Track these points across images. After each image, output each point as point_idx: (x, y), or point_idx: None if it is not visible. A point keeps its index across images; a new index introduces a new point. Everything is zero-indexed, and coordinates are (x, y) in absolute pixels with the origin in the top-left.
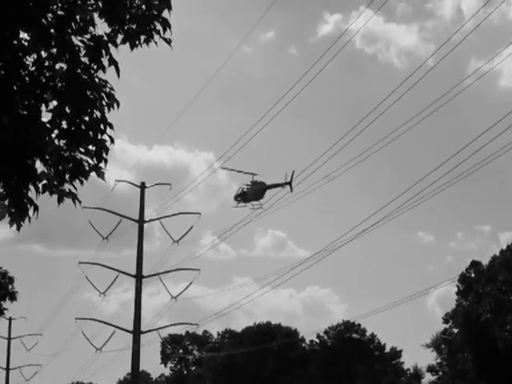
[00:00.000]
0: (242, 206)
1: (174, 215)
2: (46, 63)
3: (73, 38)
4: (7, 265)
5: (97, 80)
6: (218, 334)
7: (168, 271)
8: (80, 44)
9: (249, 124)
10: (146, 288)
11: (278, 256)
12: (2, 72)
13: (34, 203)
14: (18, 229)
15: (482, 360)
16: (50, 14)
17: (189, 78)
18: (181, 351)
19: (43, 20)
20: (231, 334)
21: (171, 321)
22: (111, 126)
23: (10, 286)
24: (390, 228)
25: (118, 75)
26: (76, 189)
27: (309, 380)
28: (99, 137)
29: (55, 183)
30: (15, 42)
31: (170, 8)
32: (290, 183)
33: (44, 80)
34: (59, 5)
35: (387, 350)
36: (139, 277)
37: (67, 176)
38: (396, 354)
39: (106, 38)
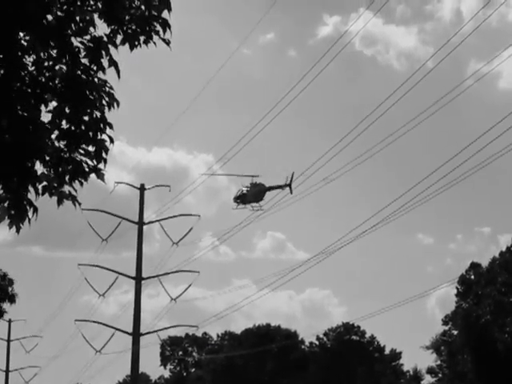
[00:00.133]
0: (242, 208)
1: (173, 217)
2: (46, 63)
3: (72, 39)
4: (6, 267)
5: (96, 80)
6: (218, 335)
7: (167, 273)
8: (80, 45)
9: (248, 126)
10: (146, 290)
11: (278, 258)
12: (2, 72)
13: (34, 205)
14: (18, 231)
15: (481, 362)
16: (49, 15)
17: (188, 79)
18: (180, 353)
19: (43, 21)
20: (231, 336)
21: (171, 323)
22: (111, 126)
23: (10, 288)
24: (390, 230)
25: (119, 76)
26: (76, 190)
27: (308, 382)
28: (99, 137)
29: (55, 185)
30: (15, 42)
31: (169, 9)
32: (289, 185)
33: (44, 80)
34: (58, 5)
35: (387, 351)
36: (139, 279)
37: (67, 177)
38: (396, 355)
39: (105, 38)
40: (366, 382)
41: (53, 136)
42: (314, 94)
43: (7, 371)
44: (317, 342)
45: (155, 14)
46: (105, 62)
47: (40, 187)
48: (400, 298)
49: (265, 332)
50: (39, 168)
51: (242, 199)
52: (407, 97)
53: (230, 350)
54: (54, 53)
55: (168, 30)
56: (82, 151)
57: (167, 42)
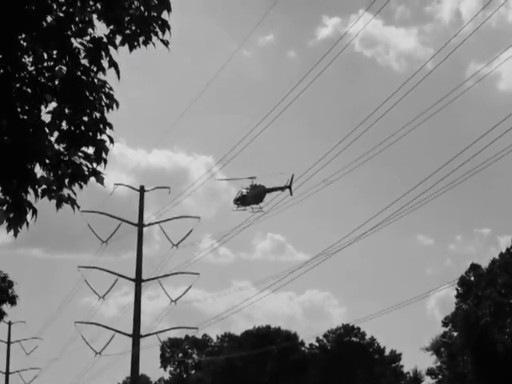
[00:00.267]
0: (242, 210)
1: (173, 219)
2: (46, 64)
3: (72, 39)
4: (6, 269)
5: (96, 81)
6: (218, 337)
7: (167, 275)
8: (80, 46)
9: (248, 127)
10: (146, 292)
11: (278, 259)
12: (1, 71)
13: (33, 207)
14: (15, 235)
15: (481, 363)
16: (49, 16)
17: (188, 81)
18: (180, 355)
19: (43, 22)
20: (231, 338)
21: (171, 324)
22: (110, 126)
23: (10, 290)
24: (389, 231)
25: (118, 77)
26: (75, 194)
27: None
28: (99, 137)
29: (54, 188)
30: (15, 42)
31: (169, 10)
32: (289, 187)
33: (43, 81)
34: (58, 6)
35: (387, 353)
36: (138, 280)
37: (66, 181)
38: (395, 357)
39: (105, 39)
40: (365, 383)
41: (52, 138)
42: (314, 95)
43: (7, 373)
44: (317, 344)
45: (154, 14)
46: (104, 62)
47: (39, 190)
48: (400, 300)
49: (265, 334)
50: (38, 171)
51: (241, 201)
52: (407, 98)
53: (230, 352)
54: (53, 53)
55: (167, 30)
56: (81, 154)
57: (166, 43)
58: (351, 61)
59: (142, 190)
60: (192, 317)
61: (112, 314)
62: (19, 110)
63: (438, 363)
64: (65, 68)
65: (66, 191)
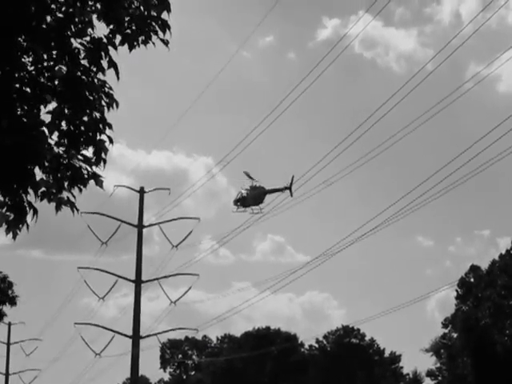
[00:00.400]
0: (242, 211)
1: (173, 220)
2: (45, 64)
3: (72, 40)
4: (6, 270)
5: (96, 81)
6: (218, 338)
7: (167, 276)
8: (79, 46)
9: (248, 128)
10: (145, 293)
11: (277, 261)
12: (1, 72)
13: (34, 206)
14: (14, 237)
15: (481, 364)
16: (49, 17)
17: (188, 82)
18: (180, 356)
19: (43, 22)
20: (230, 339)
21: (170, 325)
22: (110, 126)
23: (10, 291)
24: (389, 233)
25: (118, 77)
26: (74, 197)
27: None
28: (98, 137)
29: (53, 191)
30: (15, 43)
31: (169, 10)
32: (289, 188)
33: (43, 81)
34: (58, 6)
35: (386, 354)
36: (138, 282)
37: (66, 183)
38: (395, 358)
39: (105, 40)
40: None
41: (52, 141)
42: (314, 96)
43: (7, 374)
44: (316, 345)
45: (154, 14)
46: (104, 63)
47: (39, 193)
48: (400, 301)
49: (264, 335)
50: (38, 174)
51: (241, 202)
52: (407, 99)
53: (230, 353)
54: (53, 54)
55: (168, 30)
56: (80, 157)
57: (166, 43)
58: (351, 62)
59: (141, 191)
60: (192, 318)
61: (112, 315)
62: (19, 110)
63: (438, 364)
64: (65, 68)
65: (65, 194)
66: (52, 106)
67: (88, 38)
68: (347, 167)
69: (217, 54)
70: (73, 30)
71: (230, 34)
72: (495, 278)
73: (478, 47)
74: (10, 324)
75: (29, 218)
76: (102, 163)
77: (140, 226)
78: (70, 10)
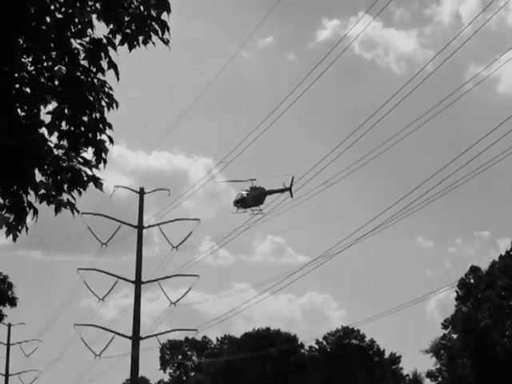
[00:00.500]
0: (242, 212)
1: (172, 221)
2: (45, 64)
3: (72, 40)
4: (6, 271)
5: (96, 81)
6: (217, 339)
7: (167, 277)
8: (79, 47)
9: (248, 129)
10: (145, 294)
11: (277, 261)
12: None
13: (34, 207)
14: (14, 239)
15: (481, 366)
16: (48, 17)
17: (187, 83)
18: (180, 357)
19: (43, 23)
20: (230, 340)
21: (170, 326)
22: (110, 126)
23: (10, 292)
24: (389, 234)
25: (118, 78)
26: (74, 199)
27: None
28: (98, 137)
29: (53, 193)
30: (14, 44)
31: (168, 10)
32: (289, 189)
33: (43, 81)
34: (57, 6)
35: (386, 355)
36: (138, 282)
37: (65, 186)
38: (395, 359)
39: (105, 40)
40: None
41: (51, 144)
42: (314, 97)
43: (7, 375)
44: (316, 346)
45: (154, 14)
46: (104, 63)
47: (38, 195)
48: (399, 302)
49: (264, 336)
50: (38, 176)
51: (241, 203)
52: (407, 100)
53: (230, 354)
54: (53, 54)
55: (167, 31)
56: (80, 159)
57: (166, 42)
58: (351, 63)
59: (141, 192)
60: (192, 319)
61: (112, 316)
62: (19, 110)
63: (438, 365)
64: (64, 68)
65: (65, 196)
66: (52, 106)
67: (88, 39)
68: (347, 168)
69: (217, 55)
70: (72, 30)
71: (230, 34)
72: (495, 279)
73: (477, 48)
74: (9, 325)
75: (29, 218)
76: (102, 163)
77: (140, 227)
78: (70, 10)
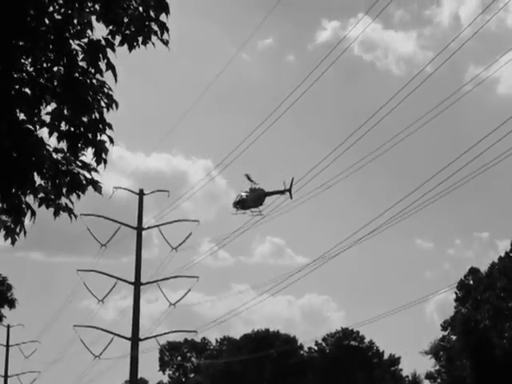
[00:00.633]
0: (241, 213)
1: (172, 222)
2: (44, 65)
3: (71, 41)
4: (5, 272)
5: (95, 81)
6: (217, 341)
7: (166, 278)
8: (78, 48)
9: (247, 131)
10: (145, 295)
11: (277, 263)
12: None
13: (32, 208)
14: (13, 243)
15: (480, 367)
16: (47, 18)
17: (187, 84)
18: (179, 358)
19: (42, 24)
20: (229, 341)
21: (169, 328)
22: (110, 127)
23: (9, 294)
24: (389, 235)
25: (116, 79)
26: (72, 203)
27: None
28: (98, 137)
29: (52, 197)
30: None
31: (167, 12)
32: (289, 190)
33: (43, 81)
34: (56, 7)
35: (386, 357)
36: (138, 284)
37: (64, 190)
38: (394, 360)
39: (103, 42)
40: None
41: (50, 148)
42: (313, 98)
43: (6, 376)
44: (316, 348)
45: (153, 15)
46: (102, 65)
47: (38, 199)
48: (399, 303)
49: (263, 337)
50: (37, 180)
51: (241, 204)
52: (406, 102)
53: (229, 356)
54: (52, 55)
55: (166, 32)
56: (79, 163)
57: (165, 43)
58: (350, 64)
59: (141, 194)
60: (191, 320)
61: (111, 318)
62: (18, 112)
63: (437, 367)
64: (62, 69)
65: (63, 200)
66: (51, 107)
67: (86, 40)
68: (347, 169)
69: (216, 56)
70: (71, 31)
71: (230, 35)
72: (494, 281)
73: (477, 49)
74: (8, 326)
75: (27, 220)
76: (102, 164)
77: (139, 229)
78: (69, 11)
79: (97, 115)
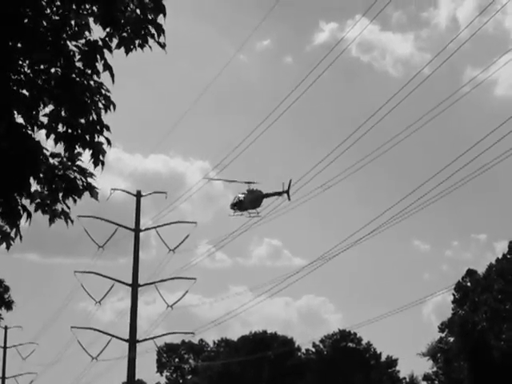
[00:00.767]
0: (239, 215)
1: (169, 224)
2: (42, 66)
3: (68, 42)
4: (2, 274)
5: (92, 83)
6: (214, 342)
7: (164, 280)
8: (75, 49)
9: (245, 132)
10: (142, 297)
11: (274, 264)
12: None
13: (27, 210)
14: (8, 248)
15: (477, 369)
16: (44, 22)
17: (185, 86)
18: (177, 360)
19: (39, 25)
20: (227, 343)
21: (167, 329)
22: (108, 128)
23: (6, 295)
24: (386, 236)
25: (113, 80)
26: (69, 208)
27: None
28: (96, 139)
29: (48, 202)
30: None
31: (164, 13)
32: (287, 192)
33: (40, 83)
34: (54, 9)
35: (383, 358)
36: (135, 285)
37: (60, 195)
38: (392, 362)
39: (100, 43)
40: None
41: (47, 153)
42: (311, 100)
43: (3, 378)
44: (313, 349)
45: (150, 17)
46: (99, 66)
47: (34, 204)
48: (396, 305)
49: (261, 339)
50: (33, 185)
51: (238, 206)
52: (403, 103)
53: (227, 357)
54: (49, 56)
55: (162, 34)
56: (75, 168)
57: (162, 45)
58: (348, 66)
59: (138, 195)
60: (188, 322)
61: (108, 319)
62: (16, 114)
63: (435, 368)
64: (60, 70)
65: (59, 206)
66: (49, 108)
67: (83, 41)
68: (344, 171)
69: (214, 58)
70: (68, 32)
71: (228, 37)
72: (492, 283)
73: (474, 51)
74: (6, 328)
75: (23, 222)
76: (100, 165)
77: (137, 230)
78: (66, 13)
79: (94, 117)
